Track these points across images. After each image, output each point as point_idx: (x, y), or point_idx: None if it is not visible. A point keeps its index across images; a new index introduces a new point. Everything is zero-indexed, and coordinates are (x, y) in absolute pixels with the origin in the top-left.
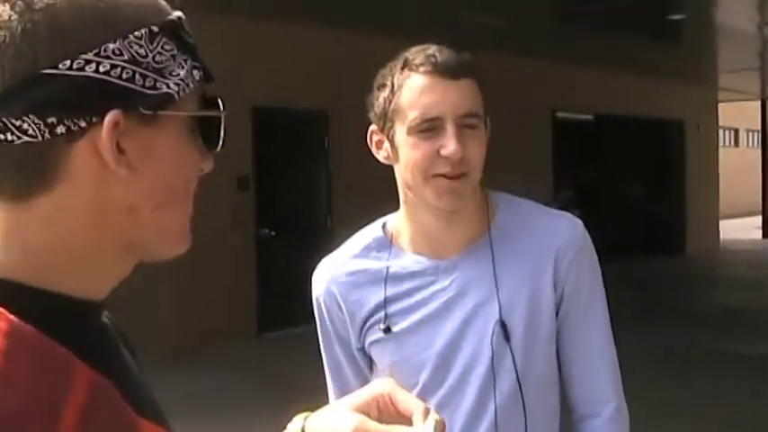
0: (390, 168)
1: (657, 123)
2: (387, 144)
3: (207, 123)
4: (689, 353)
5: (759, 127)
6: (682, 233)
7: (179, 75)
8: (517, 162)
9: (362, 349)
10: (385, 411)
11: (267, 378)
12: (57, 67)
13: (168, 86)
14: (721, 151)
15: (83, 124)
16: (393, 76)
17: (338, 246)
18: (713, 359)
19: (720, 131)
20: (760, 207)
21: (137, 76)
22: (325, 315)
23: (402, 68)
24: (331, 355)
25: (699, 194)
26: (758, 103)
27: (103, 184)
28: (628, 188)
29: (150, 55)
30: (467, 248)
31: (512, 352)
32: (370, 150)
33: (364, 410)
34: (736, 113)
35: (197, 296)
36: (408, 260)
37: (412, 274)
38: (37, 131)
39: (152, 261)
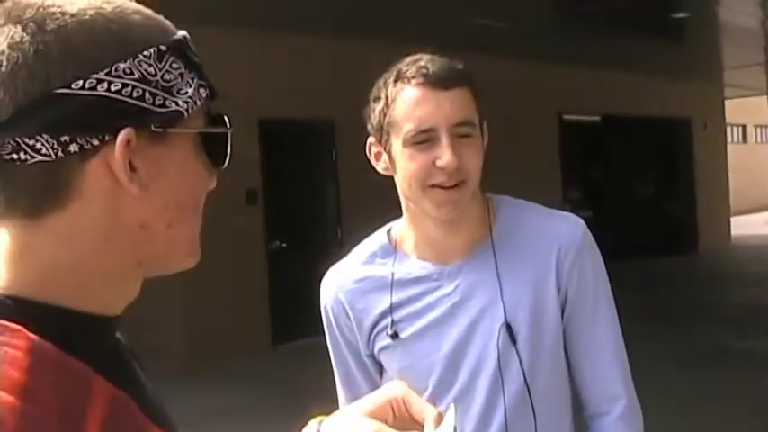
0: None
1: (664, 123)
2: (385, 156)
3: (214, 140)
4: (707, 351)
5: (767, 122)
6: (693, 232)
7: (187, 93)
8: (525, 166)
9: (372, 355)
10: (399, 416)
11: (283, 390)
12: (69, 87)
13: (177, 104)
14: (730, 148)
15: (95, 143)
16: (387, 89)
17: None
18: (731, 357)
19: (728, 128)
20: None
21: (147, 94)
22: (334, 323)
23: (395, 81)
24: (341, 363)
25: (709, 192)
26: (764, 99)
27: (116, 202)
28: (637, 189)
29: (159, 74)
30: (470, 253)
31: (518, 353)
32: None
33: (380, 415)
34: (743, 110)
35: (209, 311)
36: (413, 266)
37: (417, 280)
38: (50, 150)
39: (160, 275)
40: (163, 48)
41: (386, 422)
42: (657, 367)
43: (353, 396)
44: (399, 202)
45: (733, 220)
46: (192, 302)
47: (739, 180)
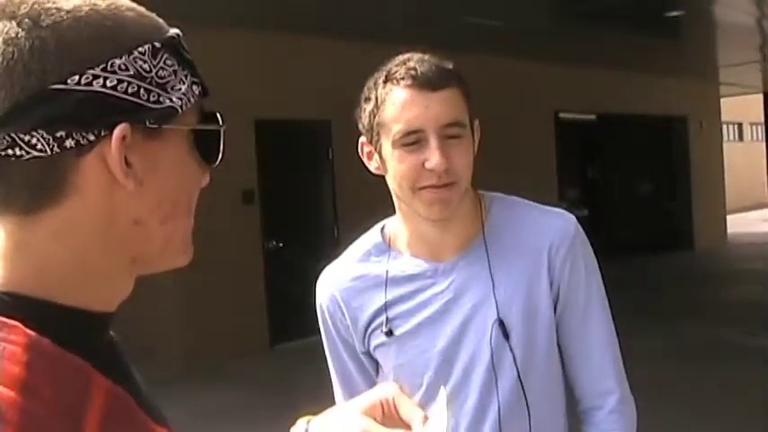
0: None
1: (660, 121)
2: (376, 155)
3: (207, 137)
4: (705, 348)
5: (762, 120)
6: (689, 230)
7: (181, 89)
8: (522, 164)
9: (368, 353)
10: (388, 415)
11: (280, 390)
12: (65, 83)
13: (171, 101)
14: (726, 146)
15: (91, 138)
16: (377, 90)
17: None
18: (729, 353)
19: (724, 126)
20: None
21: (142, 90)
22: (329, 321)
23: (385, 82)
24: (338, 361)
25: (705, 190)
26: (761, 97)
27: (111, 198)
28: (633, 187)
29: (154, 70)
30: (463, 250)
31: (511, 349)
32: None
33: (369, 413)
34: (739, 108)
35: (206, 311)
36: (407, 263)
37: (411, 277)
38: (46, 146)
39: (152, 273)
40: (157, 44)
41: (375, 420)
42: (655, 364)
43: (350, 394)
44: (394, 203)
45: (729, 218)
46: (190, 303)
47: (735, 178)
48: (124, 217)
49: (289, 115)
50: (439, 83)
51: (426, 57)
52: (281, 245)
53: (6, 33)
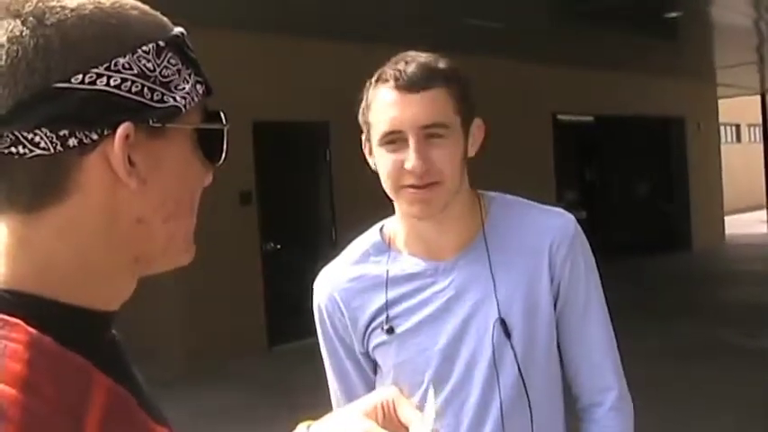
0: None
1: (658, 122)
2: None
3: (210, 136)
4: (703, 348)
5: (760, 121)
6: (687, 231)
7: (184, 88)
8: (520, 166)
9: (366, 353)
10: (388, 417)
11: (279, 392)
12: (69, 81)
13: (175, 100)
14: (724, 147)
15: (94, 137)
16: (369, 90)
17: None
18: (727, 353)
19: (722, 128)
20: (764, 201)
21: (145, 89)
22: (327, 322)
23: (376, 82)
24: (336, 362)
25: (702, 191)
26: (758, 98)
27: (114, 196)
28: (631, 188)
29: (158, 69)
30: (463, 249)
31: (513, 347)
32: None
33: (370, 416)
34: (736, 109)
35: (205, 313)
36: (407, 263)
37: (411, 277)
38: (49, 144)
39: (155, 273)
40: (161, 43)
41: (375, 422)
42: (652, 363)
43: (347, 394)
44: (393, 204)
45: (727, 219)
46: (188, 305)
47: (733, 179)
48: (127, 215)
49: (287, 117)
50: (421, 84)
51: (421, 56)
52: (278, 247)
53: (11, 31)
